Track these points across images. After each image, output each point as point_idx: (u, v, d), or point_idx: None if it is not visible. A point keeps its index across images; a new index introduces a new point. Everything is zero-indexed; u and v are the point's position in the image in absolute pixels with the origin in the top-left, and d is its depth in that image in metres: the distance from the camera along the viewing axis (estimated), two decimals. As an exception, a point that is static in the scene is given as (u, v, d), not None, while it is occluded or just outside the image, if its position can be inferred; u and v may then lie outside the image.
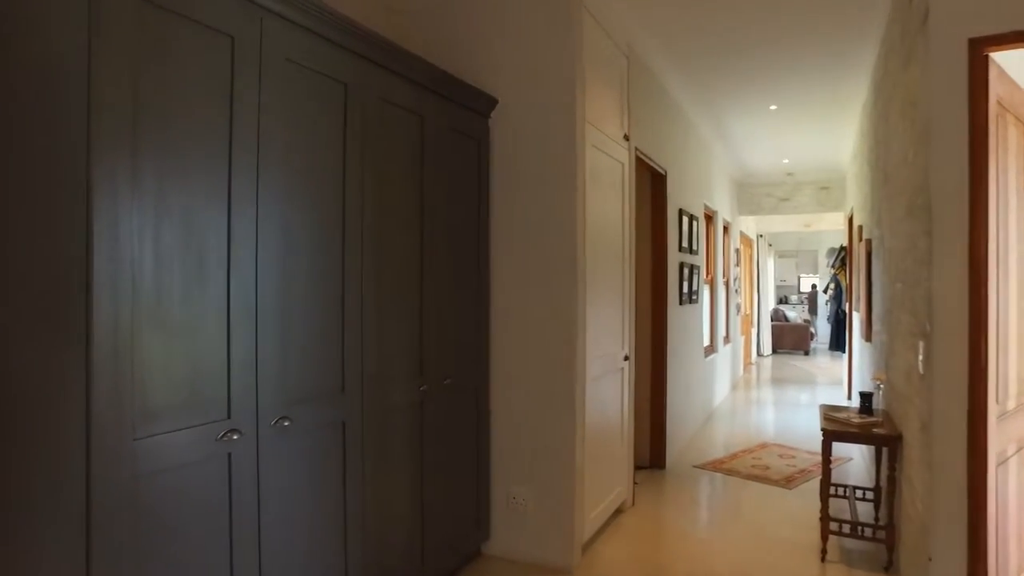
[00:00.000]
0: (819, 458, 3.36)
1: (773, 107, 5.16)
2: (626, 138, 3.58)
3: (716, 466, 4.63)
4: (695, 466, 4.62)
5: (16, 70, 1.40)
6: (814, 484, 4.05)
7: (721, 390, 7.25)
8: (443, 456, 2.60)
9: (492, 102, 2.92)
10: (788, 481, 4.27)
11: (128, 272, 1.38)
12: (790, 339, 12.14)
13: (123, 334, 1.37)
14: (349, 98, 2.05)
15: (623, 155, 3.55)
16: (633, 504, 3.75)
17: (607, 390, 3.38)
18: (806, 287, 14.94)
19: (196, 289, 1.54)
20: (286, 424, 1.78)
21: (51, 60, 1.31)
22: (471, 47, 3.03)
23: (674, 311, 4.81)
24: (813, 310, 14.21)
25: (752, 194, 9.01)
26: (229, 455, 1.62)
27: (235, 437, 1.62)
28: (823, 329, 13.32)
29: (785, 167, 7.89)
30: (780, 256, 14.77)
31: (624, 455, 3.64)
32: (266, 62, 1.73)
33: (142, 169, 1.42)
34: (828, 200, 8.56)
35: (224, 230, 1.61)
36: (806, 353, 12.03)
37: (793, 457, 4.87)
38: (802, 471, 4.48)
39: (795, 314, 13.11)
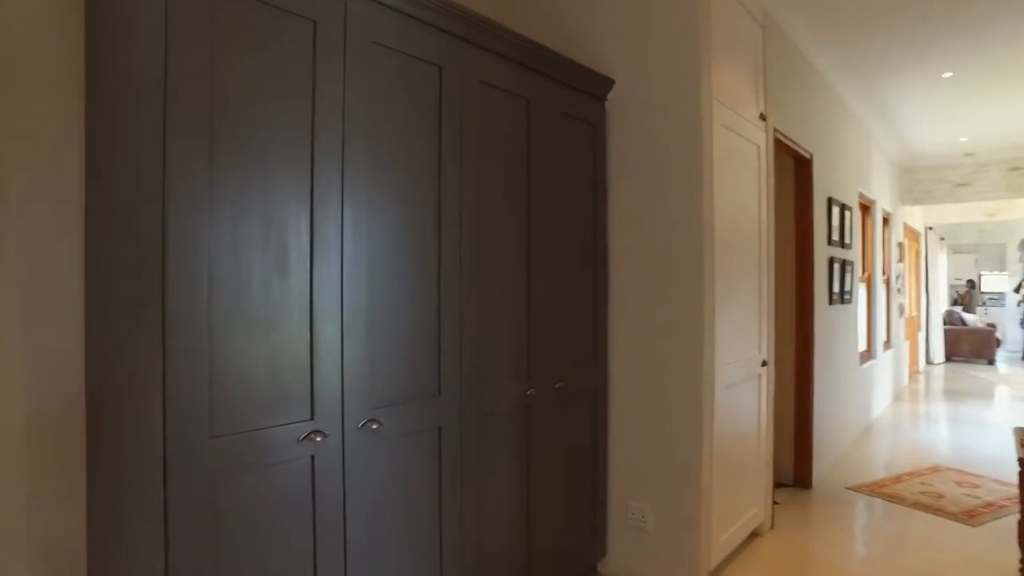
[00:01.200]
0: (1012, 491, 2.76)
1: (947, 75, 4.42)
2: (762, 117, 3.19)
3: (875, 489, 4.03)
4: (848, 487, 4.05)
5: (101, 64, 1.41)
6: (1008, 523, 3.36)
7: (881, 401, 6.42)
8: (553, 465, 2.41)
9: (607, 83, 2.69)
10: (970, 516, 3.60)
11: (204, 267, 1.34)
12: (968, 345, 10.59)
13: (199, 330, 1.33)
14: (444, 82, 1.93)
15: (758, 136, 3.16)
16: (772, 527, 3.33)
17: (741, 398, 3.01)
18: (989, 286, 12.99)
19: (277, 284, 1.48)
20: (375, 427, 1.69)
21: (130, 52, 1.29)
22: (583, 23, 2.82)
23: (822, 312, 4.26)
24: (969, 309, 12.26)
25: (919, 180, 7.91)
26: (312, 458, 1.55)
27: (319, 439, 1.55)
28: (1014, 334, 11.50)
29: (962, 146, 6.81)
30: (955, 252, 12.98)
31: (761, 471, 3.24)
32: (351, 46, 1.64)
33: (219, 163, 1.38)
34: (1022, 183, 7.29)
35: (306, 223, 1.54)
36: (990, 362, 10.43)
37: (976, 487, 4.12)
38: (989, 505, 3.76)
39: (975, 317, 11.43)
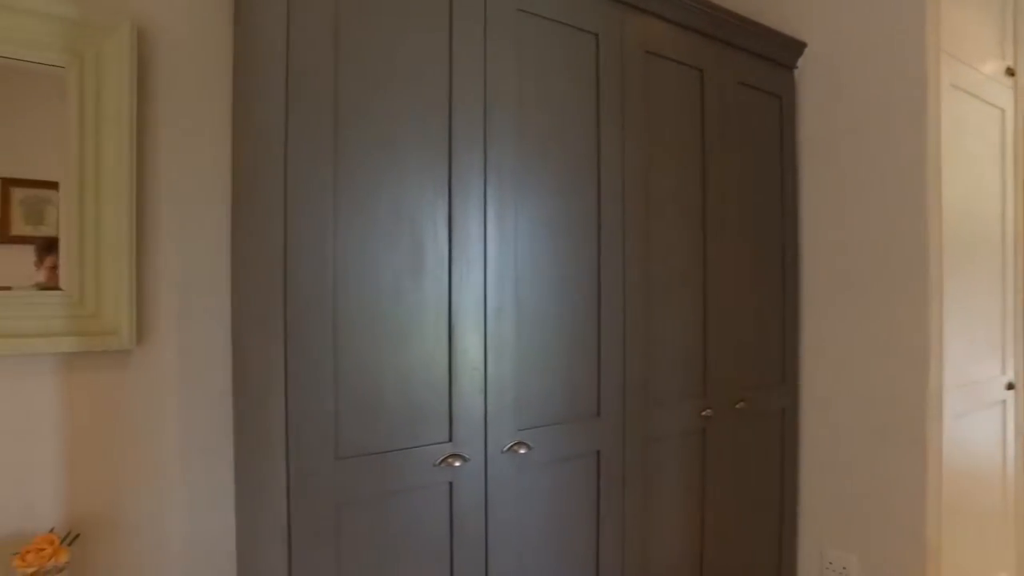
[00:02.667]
0: None
1: None
2: (1009, 72, 2.52)
3: None
4: None
5: (238, 64, 1.34)
6: None
7: None
8: (732, 499, 2.04)
9: (797, 47, 2.25)
10: None
11: (328, 270, 1.21)
12: None
13: (323, 340, 1.20)
14: (602, 52, 1.66)
15: (1003, 98, 2.50)
16: (1023, 597, 2.63)
17: (976, 430, 2.39)
18: None
19: (410, 288, 1.32)
20: (522, 451, 1.47)
21: (255, 46, 1.19)
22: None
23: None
24: None
25: None
26: (450, 484, 1.36)
27: (458, 464, 1.36)
28: None
29: None
30: None
31: (1008, 524, 2.56)
32: (492, 15, 1.44)
33: (345, 153, 1.24)
34: None
35: (444, 217, 1.36)
36: None
37: None
38: None
39: None
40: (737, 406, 2.04)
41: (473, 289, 1.40)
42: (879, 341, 2.13)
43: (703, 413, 1.93)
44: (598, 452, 1.66)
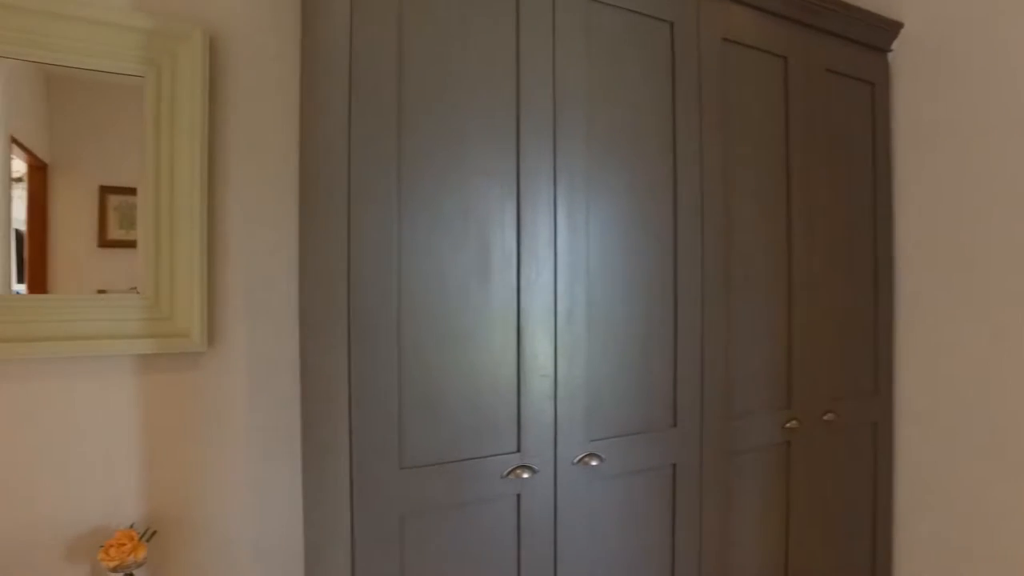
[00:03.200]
0: None
1: None
2: None
3: None
4: None
5: (304, 70, 1.33)
6: None
7: None
8: (819, 519, 1.89)
9: (892, 28, 2.07)
10: None
11: (393, 272, 1.17)
12: None
13: (387, 345, 1.16)
14: (677, 40, 1.57)
15: None
16: None
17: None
18: None
19: (476, 290, 1.27)
20: (594, 463, 1.39)
21: (319, 51, 1.17)
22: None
23: None
24: None
25: None
26: (518, 497, 1.31)
27: (526, 475, 1.30)
28: None
29: None
30: None
31: None
32: (561, 3, 1.38)
33: (409, 152, 1.21)
34: None
35: (512, 216, 1.31)
36: None
37: None
38: None
39: None
40: (825, 417, 1.89)
41: (542, 291, 1.34)
42: (996, 351, 1.92)
43: (787, 425, 1.79)
44: (674, 465, 1.56)
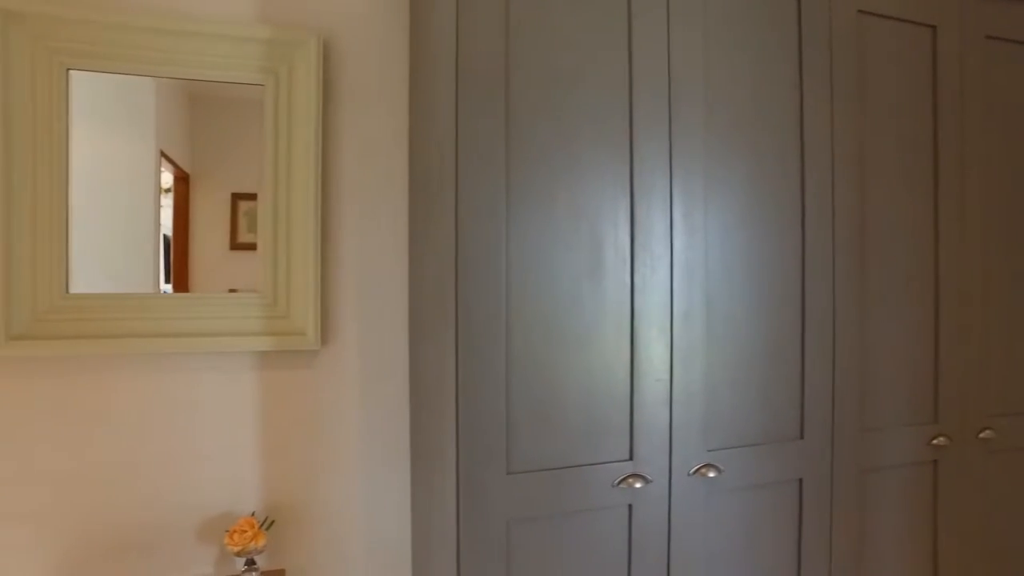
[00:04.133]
0: None
1: None
2: None
3: None
4: None
5: (413, 70, 1.33)
6: None
7: None
8: (974, 550, 1.67)
9: (1066, -10, 1.80)
10: None
11: (501, 272, 1.14)
12: None
13: (495, 347, 1.13)
14: (803, 17, 1.43)
15: None
16: None
17: None
18: None
19: (588, 290, 1.21)
20: (712, 475, 1.30)
21: (426, 50, 1.16)
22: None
23: None
24: None
25: None
26: (630, 507, 1.24)
27: (638, 485, 1.23)
28: None
29: None
30: None
31: None
32: (681, -16, 1.29)
33: (517, 149, 1.17)
34: None
35: (625, 213, 1.24)
36: None
37: None
38: None
39: None
40: (981, 435, 1.67)
41: (657, 291, 1.26)
42: None
43: (934, 441, 1.59)
44: (800, 481, 1.43)
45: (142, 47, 1.32)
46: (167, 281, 1.35)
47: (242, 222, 1.40)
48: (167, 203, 1.35)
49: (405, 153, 1.51)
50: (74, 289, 1.31)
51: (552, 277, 1.20)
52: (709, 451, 1.31)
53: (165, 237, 1.35)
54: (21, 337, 1.27)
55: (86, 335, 1.30)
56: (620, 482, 1.22)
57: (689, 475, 1.29)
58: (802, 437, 1.43)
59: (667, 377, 1.27)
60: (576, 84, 1.22)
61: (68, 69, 1.31)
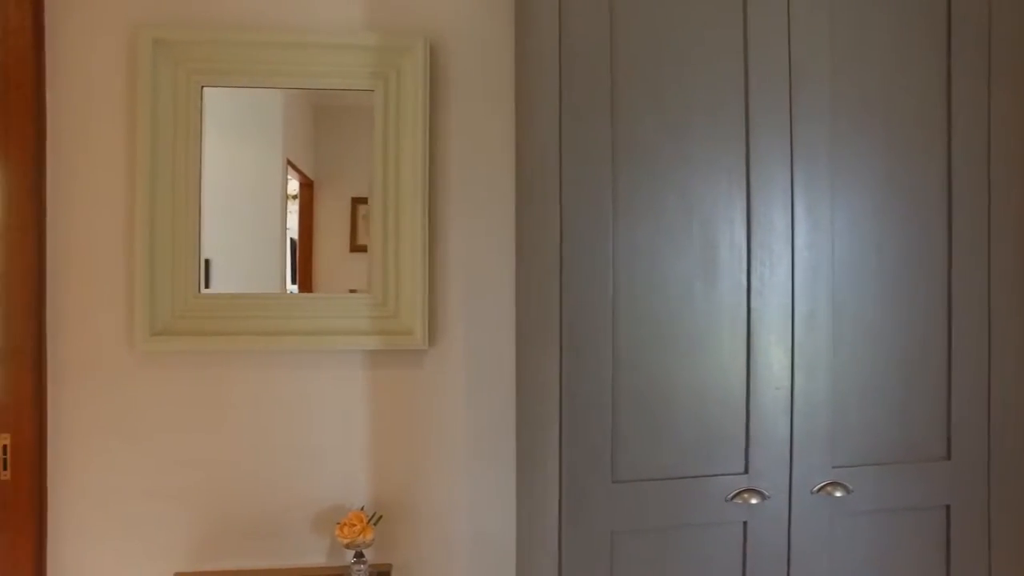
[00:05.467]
0: None
1: None
2: None
3: None
4: None
5: (518, 63, 1.32)
6: None
7: None
8: None
9: None
10: None
11: (607, 273, 1.10)
12: None
13: (601, 350, 1.09)
14: (954, -15, 1.27)
15: None
16: None
17: None
18: None
19: (701, 292, 1.14)
20: (838, 494, 1.18)
21: (526, 38, 1.14)
22: None
23: None
24: None
25: None
26: (744, 524, 1.15)
27: (754, 501, 1.14)
28: None
29: None
30: None
31: None
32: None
33: (624, 158, 1.12)
34: None
35: (741, 209, 1.16)
36: None
37: None
38: None
39: None
40: None
41: (777, 292, 1.17)
42: None
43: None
44: (947, 507, 1.27)
45: (263, 61, 1.41)
46: (293, 282, 1.44)
47: (360, 225, 1.46)
48: (293, 209, 1.44)
49: (511, 153, 1.50)
50: (212, 289, 1.42)
51: (662, 278, 1.14)
52: (835, 468, 1.20)
53: (292, 240, 1.44)
54: (162, 333, 1.39)
55: (215, 332, 1.40)
56: (734, 496, 1.14)
57: (812, 493, 1.18)
58: (949, 457, 1.27)
59: (788, 385, 1.17)
60: (685, 75, 1.15)
61: (202, 87, 1.42)
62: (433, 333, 1.47)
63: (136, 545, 1.42)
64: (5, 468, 1.44)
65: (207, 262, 1.41)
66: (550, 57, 1.10)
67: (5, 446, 1.43)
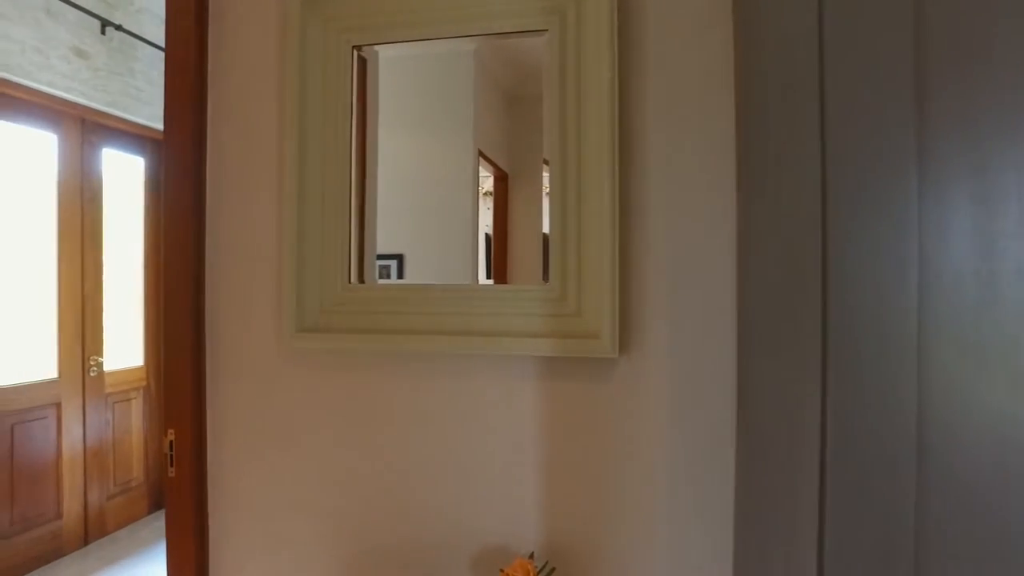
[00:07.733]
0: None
1: None
2: None
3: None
4: None
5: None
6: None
7: None
8: None
9: None
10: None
11: (907, 263, 0.70)
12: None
13: (890, 362, 0.70)
14: None
15: None
16: None
17: None
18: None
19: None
20: None
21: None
22: None
23: None
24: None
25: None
26: None
27: None
28: None
29: None
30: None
31: None
32: None
33: (937, 114, 0.70)
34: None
35: None
36: None
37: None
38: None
39: None
40: None
41: None
42: None
43: None
44: None
45: (420, 10, 1.19)
46: (488, 276, 1.28)
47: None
48: (488, 205, 1.32)
49: (727, 103, 1.11)
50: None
51: (996, 272, 0.70)
52: None
53: (486, 235, 1.31)
54: (309, 330, 1.22)
55: (365, 329, 1.21)
56: None
57: None
58: None
59: None
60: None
61: (353, 46, 1.23)
62: (625, 338, 1.13)
63: (286, 563, 1.29)
64: (172, 464, 1.39)
65: (400, 257, 1.28)
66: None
67: (171, 442, 1.38)
